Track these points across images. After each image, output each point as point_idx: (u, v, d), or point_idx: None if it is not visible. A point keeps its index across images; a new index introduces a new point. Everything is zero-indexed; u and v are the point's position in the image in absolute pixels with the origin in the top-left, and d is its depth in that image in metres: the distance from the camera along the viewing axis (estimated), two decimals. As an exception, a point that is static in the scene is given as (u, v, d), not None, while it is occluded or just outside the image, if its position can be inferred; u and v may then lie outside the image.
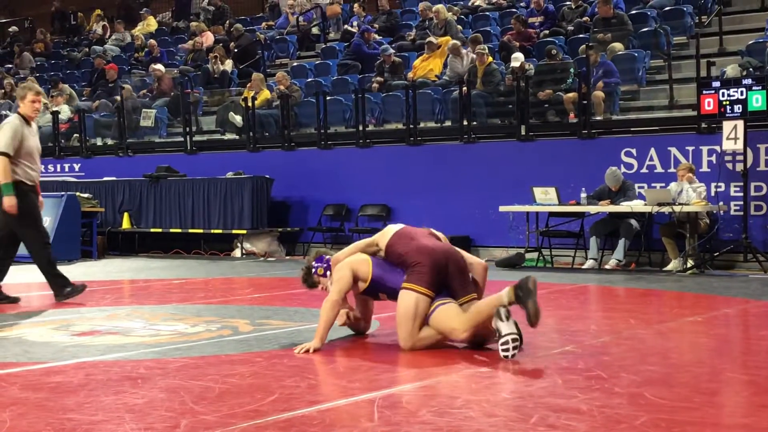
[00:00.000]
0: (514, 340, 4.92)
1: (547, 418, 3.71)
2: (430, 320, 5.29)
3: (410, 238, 5.54)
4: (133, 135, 16.57)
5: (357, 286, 5.57)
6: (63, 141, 17.10)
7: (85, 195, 13.73)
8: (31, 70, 21.75)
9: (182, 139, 15.69)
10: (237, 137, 15.37)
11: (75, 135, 17.07)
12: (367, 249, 5.71)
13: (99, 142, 17.10)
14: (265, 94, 15.22)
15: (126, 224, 14.45)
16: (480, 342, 5.36)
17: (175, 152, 15.65)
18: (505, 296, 5.09)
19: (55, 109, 17.31)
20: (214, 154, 15.33)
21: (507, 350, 4.94)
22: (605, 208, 10.73)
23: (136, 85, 18.21)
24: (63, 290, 8.05)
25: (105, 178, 15.08)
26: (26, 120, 7.88)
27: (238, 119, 15.29)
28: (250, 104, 14.78)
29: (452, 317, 5.24)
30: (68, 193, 13.31)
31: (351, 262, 5.56)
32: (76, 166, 16.65)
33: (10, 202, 7.62)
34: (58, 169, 16.81)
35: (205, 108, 16.97)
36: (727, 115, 10.23)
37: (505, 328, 4.94)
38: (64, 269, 11.54)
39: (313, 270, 5.75)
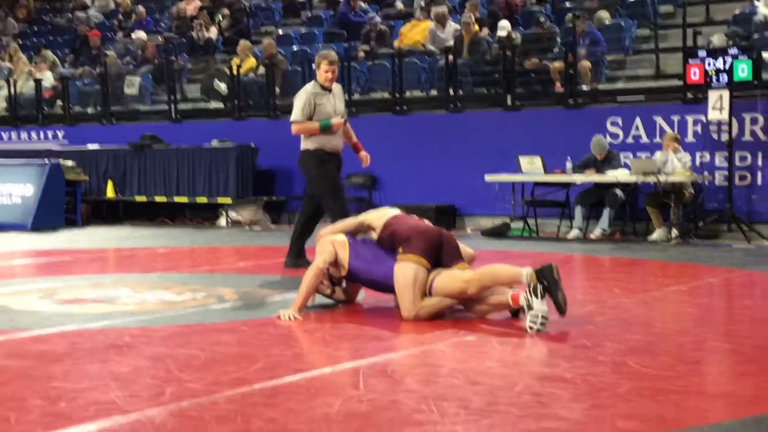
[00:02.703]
0: (543, 318, 4.94)
1: (531, 386, 3.73)
2: (434, 288, 5.29)
3: (405, 221, 5.64)
4: (118, 103, 16.45)
5: (338, 269, 5.61)
6: (46, 108, 16.96)
7: (69, 163, 13.64)
8: (14, 36, 21.51)
9: (167, 107, 15.59)
10: (222, 105, 15.28)
11: (58, 102, 16.93)
12: (356, 229, 5.76)
13: (83, 109, 16.95)
14: (251, 62, 15.11)
15: (110, 193, 14.38)
16: (464, 306, 5.42)
17: (159, 120, 15.55)
18: (524, 277, 5.06)
19: (38, 76, 17.15)
20: (198, 122, 15.23)
21: (535, 323, 4.94)
22: (591, 177, 10.75)
23: (119, 53, 18.05)
24: (297, 260, 7.94)
25: (89, 146, 14.98)
26: (323, 87, 7.86)
27: (222, 87, 15.20)
28: (234, 72, 14.68)
29: (459, 276, 5.27)
30: (52, 161, 13.23)
31: (333, 240, 5.62)
32: (60, 134, 16.52)
33: (337, 124, 7.80)
34: (42, 137, 16.69)
35: (189, 76, 16.84)
36: (712, 84, 10.23)
37: (538, 305, 4.95)
38: (47, 237, 11.53)
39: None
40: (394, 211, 5.80)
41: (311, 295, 5.56)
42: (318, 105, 7.77)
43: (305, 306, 5.48)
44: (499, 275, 5.21)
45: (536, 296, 4.96)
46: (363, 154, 8.14)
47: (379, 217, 5.72)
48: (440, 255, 5.41)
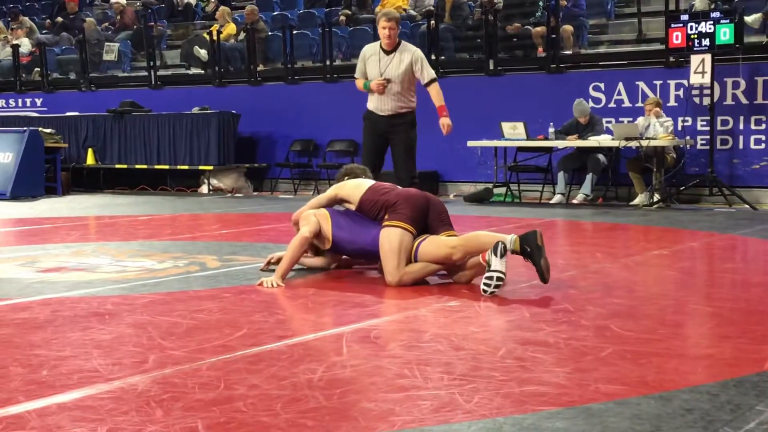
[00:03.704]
0: (498, 279, 4.89)
1: (514, 350, 3.74)
2: (420, 254, 5.28)
3: (390, 188, 5.61)
4: (96, 69, 16.29)
5: (323, 242, 5.61)
6: (24, 75, 16.78)
7: (48, 130, 13.53)
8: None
9: (146, 73, 15.45)
10: (202, 72, 15.16)
11: (36, 69, 16.75)
12: (329, 203, 5.75)
13: (61, 76, 16.77)
14: (231, 27, 14.98)
15: (90, 160, 14.29)
16: (448, 272, 5.41)
17: (139, 87, 15.42)
18: (509, 243, 5.02)
19: (15, 42, 16.94)
20: (179, 89, 15.12)
21: (489, 285, 4.89)
22: (573, 143, 10.75)
23: (98, 18, 17.85)
24: None
25: (68, 113, 14.85)
26: (382, 47, 7.74)
27: (203, 53, 15.07)
28: (215, 38, 14.55)
29: (444, 242, 5.25)
30: (30, 128, 13.10)
31: (315, 212, 5.62)
32: (38, 101, 16.37)
33: (373, 86, 7.73)
34: (20, 104, 16.52)
35: (169, 42, 16.69)
36: (694, 48, 10.23)
37: (496, 264, 4.90)
38: (29, 205, 11.46)
39: None
40: (369, 182, 5.76)
41: (294, 264, 5.57)
42: (368, 65, 7.77)
43: (288, 274, 5.48)
44: (483, 242, 5.19)
45: (495, 255, 4.91)
46: (442, 120, 7.91)
47: (355, 187, 5.69)
48: (427, 221, 5.41)
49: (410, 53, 7.76)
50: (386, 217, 5.38)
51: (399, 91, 7.72)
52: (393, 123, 7.79)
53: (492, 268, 4.91)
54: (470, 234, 5.29)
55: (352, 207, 5.66)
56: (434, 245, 5.28)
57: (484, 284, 4.93)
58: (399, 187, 5.80)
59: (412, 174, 7.86)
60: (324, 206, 5.75)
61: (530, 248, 4.97)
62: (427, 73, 7.80)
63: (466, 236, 5.27)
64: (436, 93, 7.86)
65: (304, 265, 5.91)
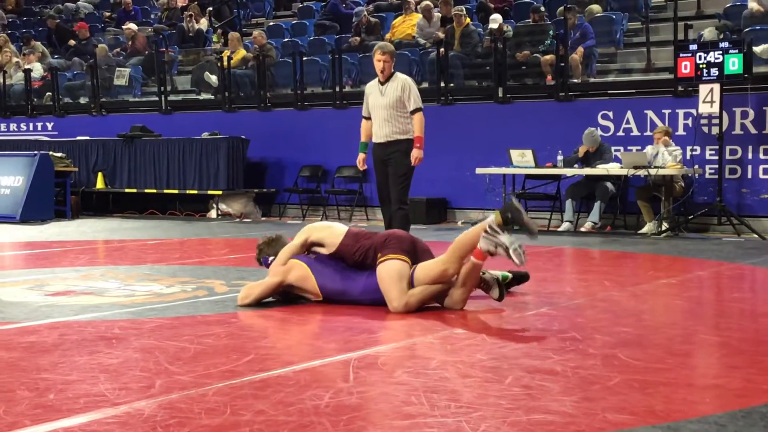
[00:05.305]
0: (519, 246, 4.95)
1: (521, 378, 3.73)
2: (416, 279, 5.30)
3: (372, 233, 5.58)
4: (107, 94, 16.39)
5: (310, 294, 5.53)
6: (35, 99, 16.89)
7: (59, 154, 13.60)
8: (3, 27, 21.41)
9: (157, 98, 15.54)
10: (212, 97, 15.24)
11: (48, 93, 16.86)
12: (302, 250, 5.61)
13: (72, 100, 16.87)
14: (241, 53, 15.07)
15: (100, 184, 14.34)
16: (442, 297, 5.40)
17: (149, 112, 15.50)
18: (493, 222, 5.07)
19: (27, 67, 17.07)
20: (189, 114, 15.20)
21: (519, 255, 4.93)
22: (581, 170, 10.76)
23: (109, 44, 17.99)
24: None
25: (78, 138, 14.93)
26: (379, 78, 7.98)
27: (213, 79, 15.16)
28: (225, 64, 14.64)
29: (435, 262, 5.30)
30: (41, 152, 13.18)
31: (291, 265, 5.53)
32: (49, 125, 16.46)
33: (359, 159, 8.19)
34: (31, 128, 16.62)
35: (180, 67, 16.79)
36: (703, 78, 10.24)
37: (507, 238, 4.96)
38: (38, 229, 11.50)
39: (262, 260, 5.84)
40: (344, 227, 5.64)
41: (260, 300, 5.56)
42: (369, 97, 8.04)
43: (253, 303, 5.53)
44: (469, 239, 5.20)
45: (498, 232, 4.99)
46: (413, 152, 7.91)
47: (326, 227, 5.63)
48: (416, 255, 5.41)
49: (401, 81, 7.96)
50: (379, 255, 5.35)
51: (392, 117, 7.89)
52: (389, 150, 7.95)
53: (510, 243, 4.94)
54: (452, 244, 5.30)
55: (325, 251, 5.56)
56: (426, 269, 5.31)
57: (516, 256, 4.93)
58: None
59: (401, 201, 7.93)
60: (297, 254, 5.59)
61: (511, 212, 5.05)
62: (414, 101, 7.95)
63: (450, 248, 5.29)
64: (417, 122, 8.00)
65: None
